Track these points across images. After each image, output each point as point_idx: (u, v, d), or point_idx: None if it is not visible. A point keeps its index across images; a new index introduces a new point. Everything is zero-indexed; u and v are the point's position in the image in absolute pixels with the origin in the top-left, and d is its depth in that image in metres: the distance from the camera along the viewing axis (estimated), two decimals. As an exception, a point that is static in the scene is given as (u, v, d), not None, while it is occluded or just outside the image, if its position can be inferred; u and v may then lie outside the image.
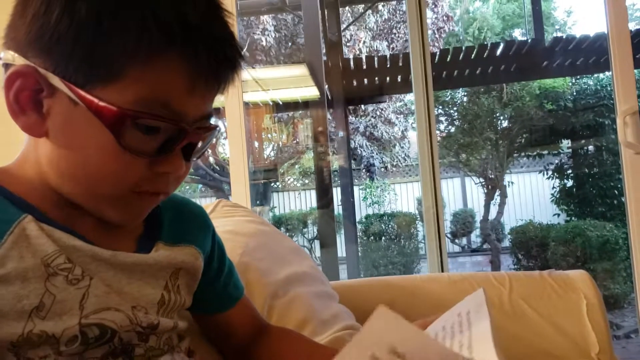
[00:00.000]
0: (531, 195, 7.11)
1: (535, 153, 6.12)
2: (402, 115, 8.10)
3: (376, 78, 5.42)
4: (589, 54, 5.01)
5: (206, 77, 0.54)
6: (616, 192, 5.29)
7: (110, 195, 0.55)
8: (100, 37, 0.49)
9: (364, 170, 7.88)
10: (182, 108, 0.54)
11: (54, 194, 0.57)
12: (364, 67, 5.16)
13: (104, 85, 0.51)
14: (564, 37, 5.32)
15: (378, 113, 7.93)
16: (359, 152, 7.56)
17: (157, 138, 0.54)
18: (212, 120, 0.61)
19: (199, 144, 0.60)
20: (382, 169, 7.95)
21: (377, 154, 7.75)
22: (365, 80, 5.47)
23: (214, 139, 0.63)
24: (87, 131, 0.52)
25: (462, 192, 7.48)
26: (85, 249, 0.56)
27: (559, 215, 5.94)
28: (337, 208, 5.65)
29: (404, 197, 7.72)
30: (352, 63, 5.19)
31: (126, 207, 0.57)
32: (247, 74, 4.64)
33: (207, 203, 1.27)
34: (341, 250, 5.26)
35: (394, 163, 8.03)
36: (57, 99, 0.52)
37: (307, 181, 7.86)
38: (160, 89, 0.52)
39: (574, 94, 5.77)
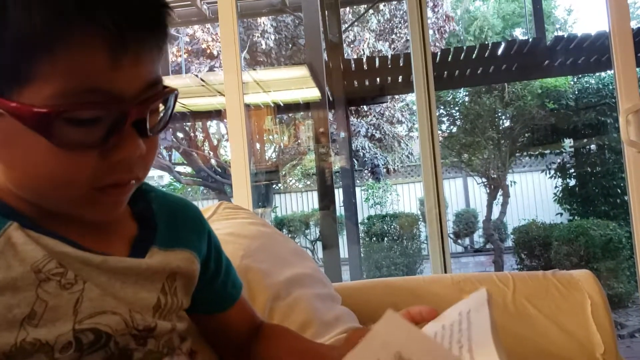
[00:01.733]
0: (534, 194, 7.10)
1: (537, 152, 6.12)
2: (406, 114, 8.09)
3: (377, 78, 5.42)
4: (591, 53, 5.01)
5: (125, 45, 0.48)
6: (619, 190, 5.28)
7: (73, 197, 0.53)
8: None
9: (367, 171, 7.86)
10: (112, 85, 0.49)
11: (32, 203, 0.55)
12: (365, 67, 5.16)
13: (19, 88, 0.47)
14: (565, 35, 5.31)
15: (381, 113, 7.92)
16: (362, 154, 7.56)
17: (98, 126, 0.50)
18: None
19: (161, 114, 0.56)
20: (384, 170, 7.94)
21: (380, 154, 7.75)
22: (367, 81, 5.47)
23: (173, 104, 0.57)
24: (21, 140, 0.49)
25: (464, 192, 7.47)
26: (75, 255, 0.55)
27: (561, 214, 5.93)
28: (339, 209, 5.65)
29: (406, 197, 7.72)
30: (352, 64, 5.19)
31: (97, 205, 0.54)
32: (248, 75, 4.64)
33: (208, 205, 1.27)
34: (343, 251, 5.26)
35: (395, 167, 8.01)
36: None
37: (308, 182, 7.86)
38: (79, 74, 0.47)
39: (576, 92, 5.77)
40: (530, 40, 5.31)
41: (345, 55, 7.03)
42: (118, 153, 0.51)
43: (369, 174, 7.87)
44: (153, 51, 0.52)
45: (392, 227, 5.84)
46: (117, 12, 0.48)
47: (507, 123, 6.11)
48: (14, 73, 0.47)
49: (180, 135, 7.10)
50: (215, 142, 7.56)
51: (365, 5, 7.49)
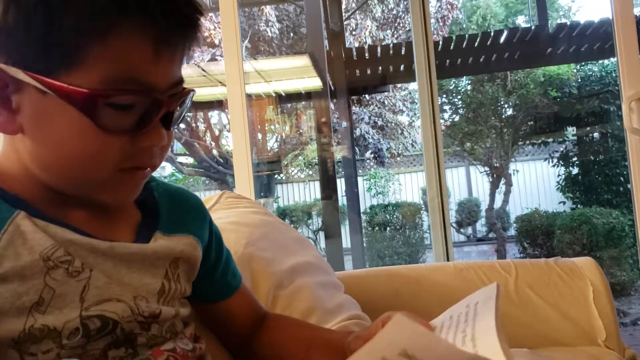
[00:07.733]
0: (536, 183, 7.09)
1: (540, 141, 6.10)
2: (407, 103, 8.06)
3: (379, 67, 5.40)
4: (594, 40, 4.97)
5: (168, 41, 0.53)
6: (622, 178, 5.26)
7: (98, 178, 0.55)
8: (52, 22, 0.49)
9: (371, 157, 7.83)
10: (151, 78, 0.53)
11: (44, 188, 0.56)
12: (367, 56, 5.13)
13: (67, 69, 0.50)
14: (568, 23, 5.27)
15: (382, 102, 7.89)
16: (366, 139, 7.52)
17: (133, 113, 0.53)
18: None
19: (177, 111, 0.59)
20: (387, 158, 7.92)
21: (383, 140, 7.72)
22: (368, 70, 5.44)
23: (189, 104, 0.62)
24: (61, 119, 0.52)
25: (467, 181, 7.46)
26: (82, 242, 0.56)
27: (564, 203, 5.92)
28: (342, 199, 5.65)
29: (408, 187, 7.71)
30: (354, 53, 5.17)
31: (116, 187, 0.57)
32: (249, 65, 4.63)
33: (210, 195, 1.27)
34: (346, 241, 5.26)
35: (399, 152, 7.99)
36: (26, 92, 0.52)
37: (311, 172, 7.85)
38: (125, 62, 0.51)
39: (579, 80, 5.73)
40: (533, 27, 5.28)
41: (347, 43, 7.00)
42: (145, 140, 0.55)
43: (372, 159, 7.83)
44: (184, 52, 0.56)
45: (395, 216, 5.83)
46: (166, 7, 0.52)
47: (509, 111, 6.08)
48: (66, 55, 0.50)
49: (181, 125, 7.09)
50: (217, 133, 7.55)
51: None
